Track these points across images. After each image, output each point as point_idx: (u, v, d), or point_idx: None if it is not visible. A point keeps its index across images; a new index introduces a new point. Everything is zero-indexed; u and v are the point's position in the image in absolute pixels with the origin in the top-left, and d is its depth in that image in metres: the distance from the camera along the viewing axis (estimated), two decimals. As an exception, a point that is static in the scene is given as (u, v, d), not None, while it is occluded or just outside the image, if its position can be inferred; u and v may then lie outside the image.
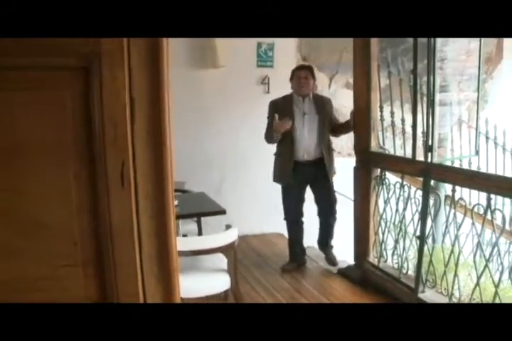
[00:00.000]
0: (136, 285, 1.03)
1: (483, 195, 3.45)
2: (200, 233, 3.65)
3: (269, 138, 3.85)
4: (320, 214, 4.08)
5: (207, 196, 3.83)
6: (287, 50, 4.86)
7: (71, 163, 0.97)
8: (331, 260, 4.15)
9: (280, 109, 3.80)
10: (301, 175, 3.88)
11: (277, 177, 3.98)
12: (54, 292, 0.98)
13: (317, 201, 4.04)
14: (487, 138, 4.07)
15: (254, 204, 4.87)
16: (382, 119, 3.76)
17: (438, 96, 3.01)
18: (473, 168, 3.76)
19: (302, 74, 3.81)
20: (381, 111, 3.74)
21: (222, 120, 4.74)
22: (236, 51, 4.60)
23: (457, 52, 4.08)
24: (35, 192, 0.96)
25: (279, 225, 4.88)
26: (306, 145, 3.83)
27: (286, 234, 5.03)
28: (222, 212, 3.39)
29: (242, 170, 4.90)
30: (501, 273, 2.70)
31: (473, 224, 2.88)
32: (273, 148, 4.01)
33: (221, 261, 2.99)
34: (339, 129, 3.96)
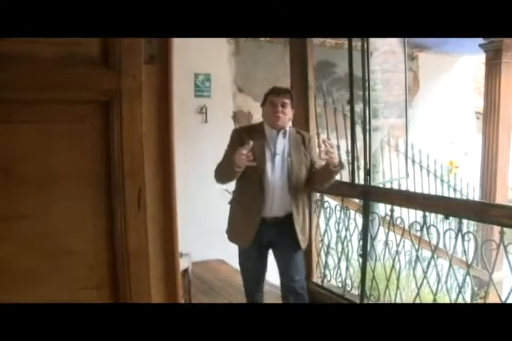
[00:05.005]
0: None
1: (413, 214, 3.78)
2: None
3: (221, 172, 2.75)
4: (282, 286, 3.01)
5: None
6: (224, 81, 5.04)
7: (91, 192, 1.03)
8: None
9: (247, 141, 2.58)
10: (264, 236, 2.83)
11: (235, 236, 2.92)
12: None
13: (280, 268, 2.97)
14: (413, 161, 4.45)
15: (194, 230, 4.90)
16: (319, 146, 4.00)
17: (372, 123, 3.29)
18: (403, 189, 4.10)
19: (279, 100, 2.76)
20: (318, 138, 3.98)
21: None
22: (174, 81, 4.70)
23: (374, 82, 4.47)
24: (59, 219, 1.01)
25: (220, 251, 4.96)
26: (276, 197, 2.76)
27: (227, 260, 5.13)
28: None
29: (181, 195, 4.92)
30: (438, 283, 2.95)
31: (411, 240, 3.14)
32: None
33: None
34: (318, 177, 2.86)
